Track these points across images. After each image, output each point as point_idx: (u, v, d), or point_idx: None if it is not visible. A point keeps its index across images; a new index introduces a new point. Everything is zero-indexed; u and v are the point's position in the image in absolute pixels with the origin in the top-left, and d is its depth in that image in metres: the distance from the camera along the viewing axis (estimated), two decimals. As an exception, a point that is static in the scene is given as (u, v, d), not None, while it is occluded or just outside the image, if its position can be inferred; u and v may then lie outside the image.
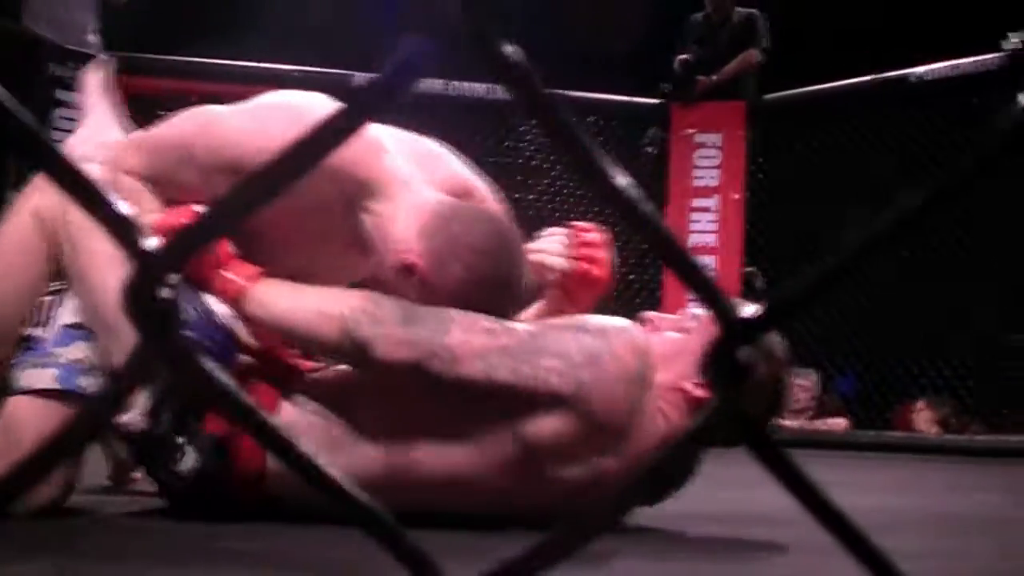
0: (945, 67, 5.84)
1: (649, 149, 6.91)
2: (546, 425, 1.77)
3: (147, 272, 0.40)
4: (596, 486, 1.77)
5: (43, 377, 1.89)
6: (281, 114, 1.91)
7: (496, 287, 1.89)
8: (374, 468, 1.79)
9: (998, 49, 5.65)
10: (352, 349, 1.78)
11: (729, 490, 2.44)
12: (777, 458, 0.45)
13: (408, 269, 1.85)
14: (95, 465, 2.30)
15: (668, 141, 6.74)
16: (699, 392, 1.82)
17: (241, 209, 0.42)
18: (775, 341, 1.91)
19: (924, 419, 6.19)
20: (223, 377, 0.42)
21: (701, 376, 0.44)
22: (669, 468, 0.45)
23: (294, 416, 1.84)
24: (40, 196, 1.95)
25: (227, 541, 1.56)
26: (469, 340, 1.79)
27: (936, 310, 6.27)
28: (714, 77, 6.53)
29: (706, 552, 1.76)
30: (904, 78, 6.00)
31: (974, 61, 5.73)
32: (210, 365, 0.42)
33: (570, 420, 1.76)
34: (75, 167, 0.41)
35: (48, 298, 1.97)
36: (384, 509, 0.43)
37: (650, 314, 2.00)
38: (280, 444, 0.43)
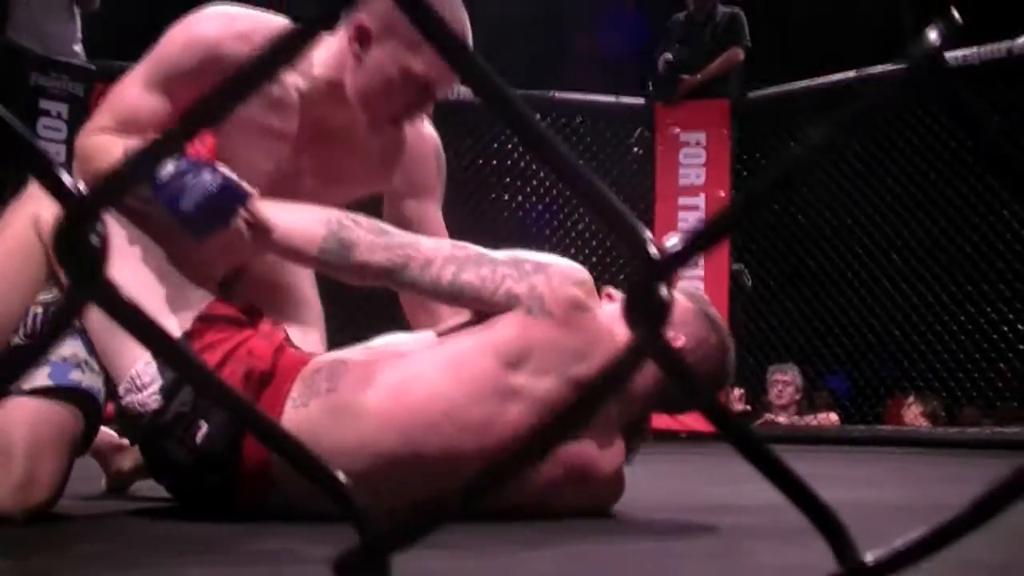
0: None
1: (635, 149, 6.92)
2: (508, 327, 1.88)
3: (74, 216, 0.40)
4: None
5: (36, 377, 1.88)
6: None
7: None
8: (364, 397, 1.85)
9: (979, 44, 5.67)
10: (336, 249, 1.89)
11: (717, 485, 2.44)
12: (731, 426, 0.44)
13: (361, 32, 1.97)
14: (82, 471, 2.30)
15: (654, 141, 6.75)
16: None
17: (184, 132, 0.42)
18: (715, 311, 2.18)
19: (913, 413, 6.21)
20: (157, 321, 0.43)
21: (624, 315, 0.42)
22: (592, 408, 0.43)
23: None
24: (38, 205, 1.94)
25: (228, 540, 1.56)
26: (440, 248, 1.94)
27: (925, 304, 6.29)
28: (698, 76, 6.54)
29: (681, 538, 1.77)
30: (888, 74, 6.01)
31: (954, 56, 5.75)
32: (141, 311, 0.42)
33: (528, 318, 1.88)
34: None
35: (39, 309, 1.97)
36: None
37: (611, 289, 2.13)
38: (219, 392, 0.44)
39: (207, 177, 1.80)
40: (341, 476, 0.44)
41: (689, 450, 4.78)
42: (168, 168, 1.78)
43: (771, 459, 0.44)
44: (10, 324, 1.94)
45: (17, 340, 1.94)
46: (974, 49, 5.70)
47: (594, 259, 6.65)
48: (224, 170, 1.84)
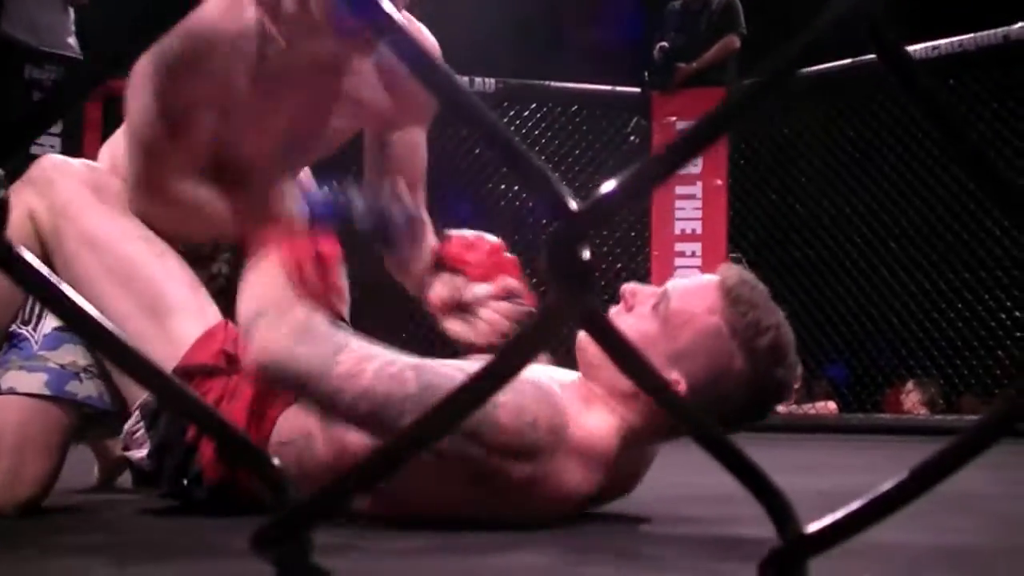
0: (924, 48, 5.85)
1: (632, 138, 6.91)
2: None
3: None
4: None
5: (32, 382, 1.86)
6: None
7: None
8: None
9: (975, 31, 5.66)
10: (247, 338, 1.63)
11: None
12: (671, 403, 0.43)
13: None
14: (74, 467, 2.29)
15: (650, 129, 6.73)
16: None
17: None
18: (781, 337, 1.67)
19: (912, 401, 6.21)
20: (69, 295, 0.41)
21: (544, 274, 0.39)
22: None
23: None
24: (32, 195, 1.91)
25: (219, 536, 1.55)
26: (360, 371, 1.55)
27: (923, 292, 6.29)
28: (694, 64, 6.52)
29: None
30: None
31: (951, 42, 5.75)
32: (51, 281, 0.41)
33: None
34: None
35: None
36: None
37: (630, 287, 1.77)
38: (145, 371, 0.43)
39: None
40: (276, 462, 0.43)
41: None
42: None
43: (717, 440, 0.43)
44: (8, 313, 1.91)
45: (14, 327, 1.93)
46: (970, 35, 5.69)
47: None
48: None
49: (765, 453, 2.64)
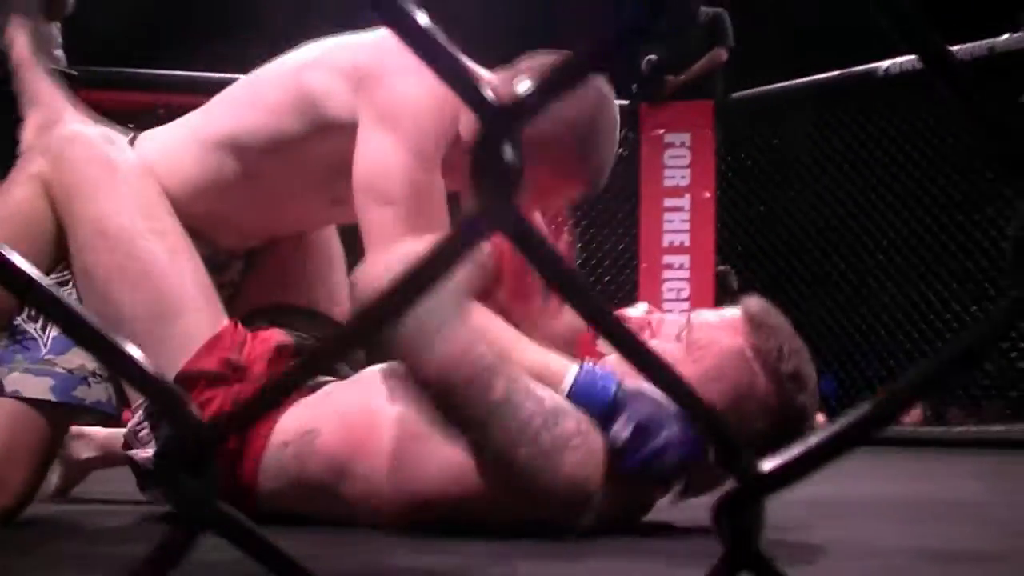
0: (911, 60, 5.87)
1: (620, 151, 6.90)
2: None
3: None
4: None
5: (38, 386, 1.83)
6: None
7: (612, 109, 1.94)
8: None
9: (960, 42, 5.68)
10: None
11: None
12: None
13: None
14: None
15: (639, 141, 6.74)
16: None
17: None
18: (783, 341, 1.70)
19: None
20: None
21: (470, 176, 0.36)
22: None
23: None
24: (46, 166, 1.86)
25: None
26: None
27: (911, 304, 6.30)
28: (682, 77, 6.53)
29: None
30: (872, 72, 6.02)
31: (939, 54, 5.76)
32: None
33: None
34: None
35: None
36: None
37: (656, 316, 1.78)
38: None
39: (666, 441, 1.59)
40: (176, 390, 0.41)
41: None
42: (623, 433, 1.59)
43: (667, 373, 0.42)
44: (9, 308, 1.87)
45: (19, 321, 1.89)
46: (957, 47, 5.71)
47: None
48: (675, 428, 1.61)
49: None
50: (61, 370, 1.85)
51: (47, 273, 1.87)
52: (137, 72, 5.98)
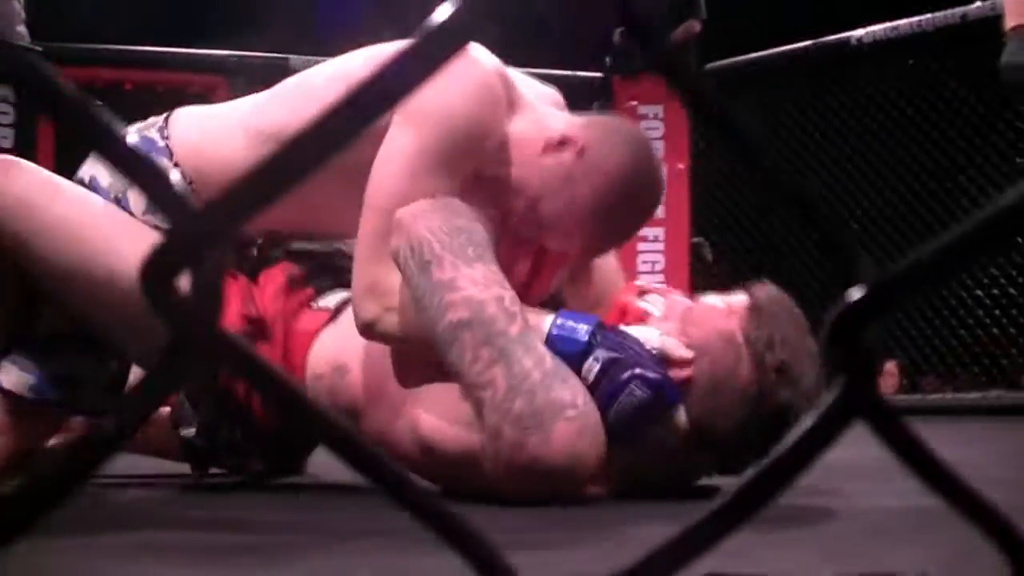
0: (885, 29, 5.85)
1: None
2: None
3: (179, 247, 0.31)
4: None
5: (19, 382, 1.80)
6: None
7: (649, 184, 1.83)
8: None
9: (933, 10, 5.66)
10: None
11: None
12: None
13: (566, 140, 1.76)
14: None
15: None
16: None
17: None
18: (794, 369, 1.63)
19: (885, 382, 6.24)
20: (266, 363, 0.35)
21: None
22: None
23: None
24: None
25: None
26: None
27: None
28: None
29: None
30: (845, 41, 6.00)
31: (910, 22, 5.75)
32: (251, 350, 0.35)
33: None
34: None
35: None
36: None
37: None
38: (336, 435, 0.37)
39: (634, 384, 1.57)
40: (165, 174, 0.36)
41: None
42: (593, 367, 1.58)
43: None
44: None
45: None
46: (928, 16, 5.69)
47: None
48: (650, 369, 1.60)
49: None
50: (44, 371, 1.82)
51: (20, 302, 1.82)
52: (102, 48, 5.87)
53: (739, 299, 1.74)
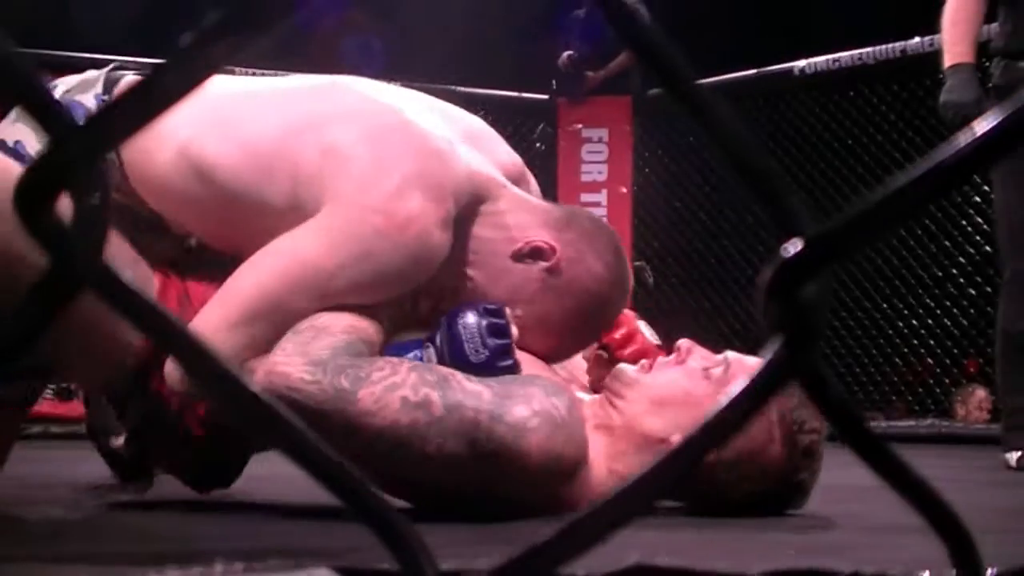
0: (826, 60, 5.93)
1: (538, 145, 6.89)
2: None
3: (59, 158, 0.28)
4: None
5: None
6: None
7: (620, 295, 1.79)
8: None
9: (876, 44, 5.75)
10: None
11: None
12: None
13: (538, 252, 1.71)
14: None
15: (556, 136, 6.72)
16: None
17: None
18: (801, 410, 1.64)
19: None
20: (149, 299, 0.33)
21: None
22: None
23: None
24: None
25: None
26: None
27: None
28: (601, 72, 6.52)
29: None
30: (788, 71, 6.07)
31: (852, 55, 5.83)
32: (135, 287, 0.32)
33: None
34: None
35: None
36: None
37: (685, 343, 1.71)
38: (215, 371, 0.34)
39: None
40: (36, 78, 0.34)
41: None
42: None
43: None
44: None
45: None
46: (869, 49, 5.78)
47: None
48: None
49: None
50: None
51: None
52: (49, 54, 5.74)
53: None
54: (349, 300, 1.61)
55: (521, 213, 1.75)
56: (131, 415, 1.76)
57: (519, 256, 1.72)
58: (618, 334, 1.89)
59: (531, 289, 1.71)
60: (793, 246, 0.35)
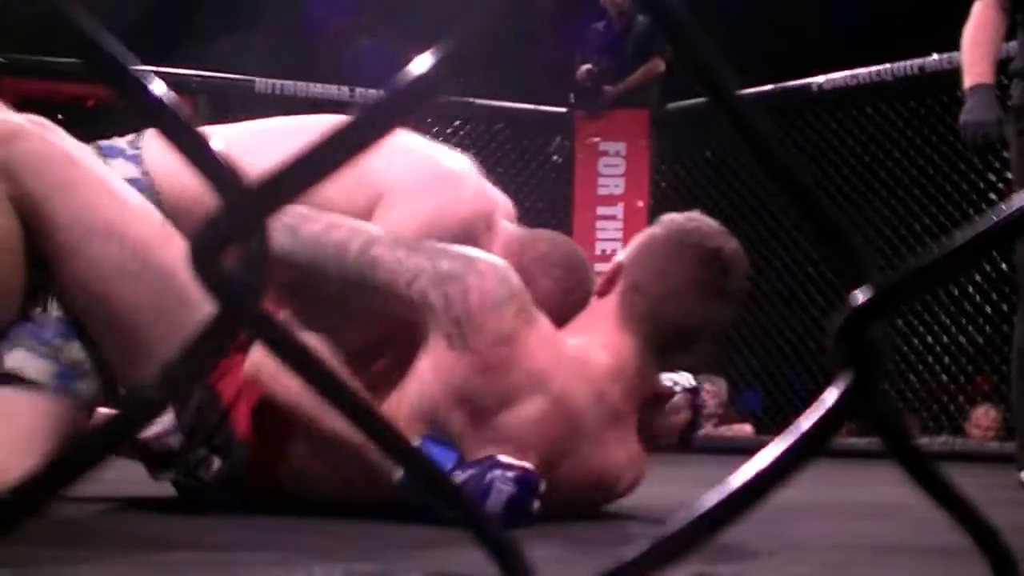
0: (845, 76, 5.95)
1: (555, 158, 6.91)
2: (427, 382, 1.76)
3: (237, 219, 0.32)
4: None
5: (40, 370, 1.73)
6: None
7: (580, 299, 2.06)
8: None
9: (891, 60, 5.76)
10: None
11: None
12: None
13: None
14: None
15: (572, 149, 6.74)
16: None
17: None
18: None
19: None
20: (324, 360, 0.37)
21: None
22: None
23: None
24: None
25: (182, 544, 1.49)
26: (345, 220, 1.82)
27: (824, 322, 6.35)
28: (620, 86, 6.53)
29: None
30: (806, 87, 6.09)
31: (870, 72, 5.84)
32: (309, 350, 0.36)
33: (446, 356, 1.74)
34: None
35: None
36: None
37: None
38: (378, 427, 0.39)
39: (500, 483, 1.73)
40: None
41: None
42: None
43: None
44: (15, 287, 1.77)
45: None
46: (887, 66, 5.79)
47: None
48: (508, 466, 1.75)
49: (690, 471, 2.63)
50: (64, 359, 1.75)
51: (25, 284, 1.76)
52: (66, 62, 5.80)
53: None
54: None
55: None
56: (189, 410, 1.81)
57: None
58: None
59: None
60: (863, 293, 0.38)
